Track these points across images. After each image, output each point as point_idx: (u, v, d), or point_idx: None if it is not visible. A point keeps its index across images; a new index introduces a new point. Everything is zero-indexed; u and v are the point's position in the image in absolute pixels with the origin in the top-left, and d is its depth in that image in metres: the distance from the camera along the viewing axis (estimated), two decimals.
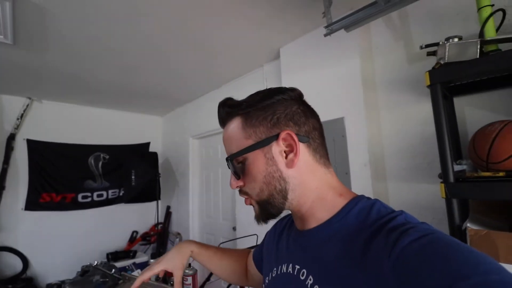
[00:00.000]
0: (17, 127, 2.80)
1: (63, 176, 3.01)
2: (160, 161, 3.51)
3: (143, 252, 3.34)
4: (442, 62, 0.91)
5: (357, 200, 0.46)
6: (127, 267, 1.53)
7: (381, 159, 1.43)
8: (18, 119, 2.80)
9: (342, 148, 1.52)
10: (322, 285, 0.41)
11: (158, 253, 3.28)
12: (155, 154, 3.45)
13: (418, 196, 1.26)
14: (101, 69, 2.24)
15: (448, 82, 0.96)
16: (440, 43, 0.94)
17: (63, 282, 2.56)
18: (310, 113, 0.50)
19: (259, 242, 0.81)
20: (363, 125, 1.41)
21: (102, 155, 3.34)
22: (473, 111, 1.16)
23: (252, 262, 0.73)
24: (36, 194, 2.84)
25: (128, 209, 3.43)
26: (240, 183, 0.49)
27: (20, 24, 1.55)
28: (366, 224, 0.41)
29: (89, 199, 3.17)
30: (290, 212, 0.53)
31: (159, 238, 3.42)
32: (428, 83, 0.92)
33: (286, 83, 1.89)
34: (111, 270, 1.22)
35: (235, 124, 0.50)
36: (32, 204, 2.81)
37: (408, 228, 0.35)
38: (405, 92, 1.36)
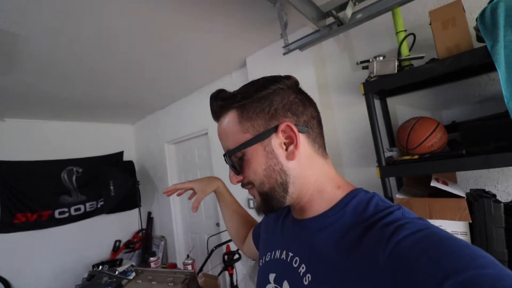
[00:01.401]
0: None
1: (36, 194, 2.95)
2: (136, 168, 3.56)
3: (129, 259, 3.40)
4: (372, 75, 1.20)
5: (355, 193, 0.46)
6: (126, 269, 1.66)
7: (337, 150, 1.73)
8: None
9: None
10: (314, 274, 0.41)
11: (143, 258, 3.37)
12: (131, 163, 3.49)
13: (366, 177, 1.58)
14: (70, 85, 2.26)
15: (378, 90, 1.25)
16: (370, 60, 1.22)
17: None
18: (308, 101, 0.49)
19: None
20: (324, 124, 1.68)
21: (74, 169, 3.30)
22: (402, 108, 1.49)
23: (251, 235, 0.75)
24: (9, 216, 2.76)
25: (108, 220, 3.45)
26: (240, 177, 0.48)
27: None
28: (363, 217, 0.41)
29: (66, 214, 3.14)
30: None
31: (143, 244, 3.50)
32: (363, 92, 1.20)
33: None
34: (115, 273, 1.37)
35: (230, 118, 0.47)
36: (6, 226, 2.73)
37: (404, 222, 0.36)
38: (352, 94, 1.66)
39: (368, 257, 0.36)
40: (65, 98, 2.55)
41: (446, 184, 1.12)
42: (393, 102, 1.51)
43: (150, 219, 3.69)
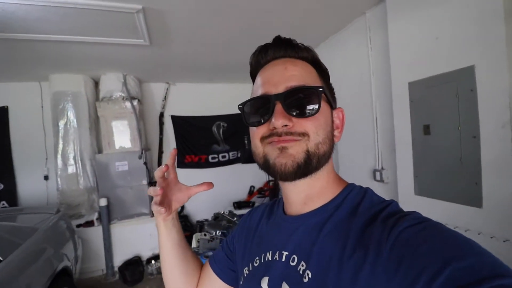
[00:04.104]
0: (163, 107, 3.69)
1: (197, 141, 3.83)
2: None
3: (260, 204, 3.93)
4: None
5: (351, 187, 0.47)
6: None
7: None
8: (163, 100, 3.67)
9: (469, 105, 1.23)
10: (314, 271, 0.40)
11: None
12: None
13: None
14: (213, 52, 2.59)
15: None
16: None
17: (206, 220, 3.43)
18: None
19: None
20: (503, 73, 1.07)
21: (221, 123, 3.98)
22: None
23: (209, 272, 0.63)
24: (182, 156, 3.77)
25: (245, 168, 4.04)
26: (290, 123, 0.41)
27: (150, 27, 1.96)
28: (360, 210, 0.42)
29: (216, 160, 3.94)
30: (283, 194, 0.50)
31: (271, 193, 3.90)
32: None
33: (393, 30, 1.62)
34: (234, 218, 1.57)
35: (311, 69, 0.47)
36: (180, 163, 3.76)
37: (404, 215, 0.37)
38: None
39: (371, 250, 0.35)
40: (213, 64, 3.01)
41: None
42: None
43: None
